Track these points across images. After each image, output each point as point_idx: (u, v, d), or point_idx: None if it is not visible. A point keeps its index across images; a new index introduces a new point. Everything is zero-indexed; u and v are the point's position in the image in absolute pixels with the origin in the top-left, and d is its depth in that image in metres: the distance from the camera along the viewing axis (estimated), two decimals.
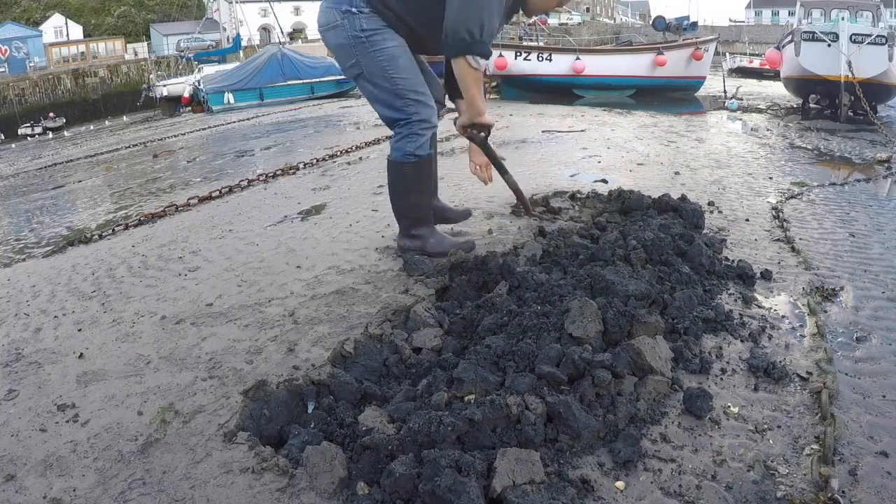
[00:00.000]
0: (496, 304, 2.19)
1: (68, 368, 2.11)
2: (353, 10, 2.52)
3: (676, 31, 18.14)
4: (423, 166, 2.70)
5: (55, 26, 44.84)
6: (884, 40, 10.63)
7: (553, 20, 48.50)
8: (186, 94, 24.03)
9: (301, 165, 5.85)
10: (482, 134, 2.69)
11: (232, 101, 20.53)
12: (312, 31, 49.80)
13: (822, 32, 10.97)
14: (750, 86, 17.86)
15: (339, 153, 6.41)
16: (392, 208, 2.86)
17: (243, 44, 31.23)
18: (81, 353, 2.21)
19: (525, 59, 17.10)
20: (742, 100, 13.49)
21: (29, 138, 23.76)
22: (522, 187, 3.10)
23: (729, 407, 1.75)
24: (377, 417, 1.62)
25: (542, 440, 1.53)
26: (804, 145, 7.19)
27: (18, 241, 4.53)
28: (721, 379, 1.90)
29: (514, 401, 1.56)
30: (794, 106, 12.36)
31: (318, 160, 6.04)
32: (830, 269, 2.82)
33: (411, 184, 2.73)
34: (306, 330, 2.23)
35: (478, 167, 2.94)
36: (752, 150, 6.41)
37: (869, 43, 10.53)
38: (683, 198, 3.50)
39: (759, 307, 2.41)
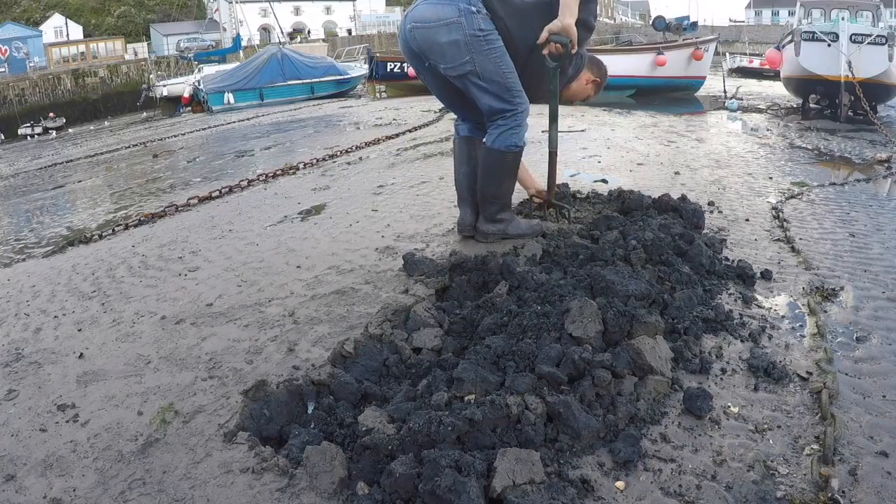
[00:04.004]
0: (496, 304, 2.19)
1: (68, 368, 2.11)
2: (474, 9, 2.65)
3: (676, 31, 18.14)
4: (520, 155, 2.91)
5: (55, 26, 44.85)
6: (884, 40, 10.63)
7: None
8: (186, 94, 24.03)
9: (301, 165, 5.85)
10: (564, 45, 2.67)
11: (232, 101, 20.53)
12: (312, 32, 49.85)
13: (822, 32, 10.97)
14: (750, 86, 17.86)
15: (339, 153, 6.41)
16: (480, 195, 2.98)
17: (243, 44, 31.24)
18: (81, 353, 2.21)
19: None
20: (742, 100, 13.50)
21: (29, 138, 23.76)
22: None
23: (729, 407, 1.76)
24: (377, 417, 1.62)
25: (542, 440, 1.53)
26: (804, 145, 7.19)
27: (18, 241, 4.53)
28: (721, 379, 1.90)
29: (514, 401, 1.56)
30: (794, 106, 12.36)
31: (318, 160, 6.04)
32: (830, 269, 2.82)
33: (509, 171, 2.90)
34: (306, 330, 2.23)
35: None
36: (752, 150, 6.41)
37: (869, 43, 10.53)
38: (683, 198, 3.50)
39: (759, 307, 2.41)
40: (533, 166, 4.90)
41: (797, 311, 2.38)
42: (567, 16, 2.61)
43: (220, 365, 2.03)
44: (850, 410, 1.74)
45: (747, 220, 3.58)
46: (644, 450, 1.56)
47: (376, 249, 3.02)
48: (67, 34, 43.97)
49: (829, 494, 1.41)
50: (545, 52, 2.70)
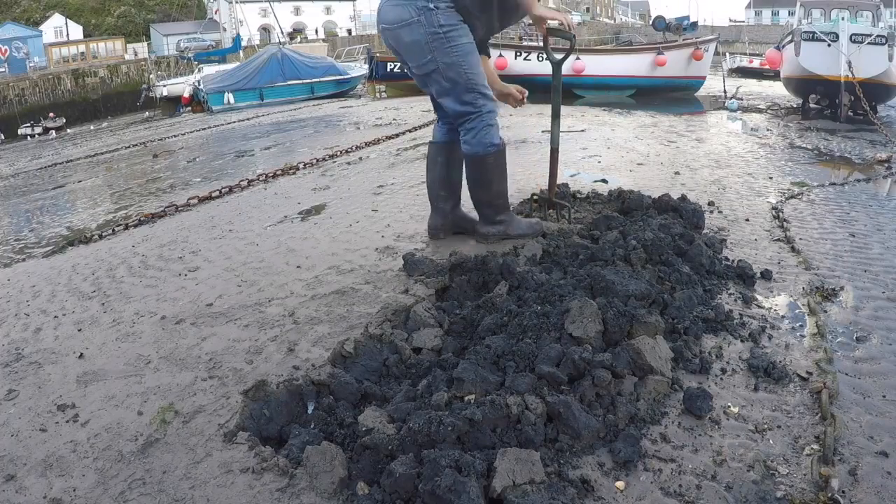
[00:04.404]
0: (496, 304, 2.19)
1: (68, 368, 2.11)
2: (431, 5, 2.60)
3: (676, 31, 18.14)
4: (502, 154, 2.83)
5: (55, 26, 44.84)
6: (884, 40, 10.63)
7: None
8: (186, 94, 24.03)
9: (301, 165, 5.85)
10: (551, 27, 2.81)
11: (232, 101, 20.53)
12: (312, 31, 49.87)
13: (822, 32, 10.96)
14: (750, 86, 17.85)
15: (339, 153, 6.41)
16: (473, 201, 2.97)
17: (243, 44, 31.23)
18: (81, 353, 2.21)
19: (525, 59, 17.10)
20: (742, 100, 13.49)
21: (29, 138, 23.75)
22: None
23: (729, 407, 1.75)
24: (377, 417, 1.62)
25: (542, 440, 1.53)
26: (804, 145, 7.19)
27: (18, 241, 4.53)
28: (721, 379, 1.90)
29: (514, 401, 1.56)
30: (794, 106, 12.36)
31: (318, 160, 6.04)
32: (830, 269, 2.82)
33: (495, 173, 2.84)
34: (306, 330, 2.23)
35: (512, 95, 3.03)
36: (752, 150, 6.41)
37: (869, 43, 10.53)
38: (683, 198, 3.50)
39: (759, 307, 2.41)
40: (533, 166, 4.91)
41: (797, 311, 2.38)
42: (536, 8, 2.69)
43: (220, 365, 2.03)
44: (850, 410, 1.74)
45: (747, 220, 3.58)
46: (644, 450, 1.56)
47: (376, 249, 3.02)
48: (67, 34, 43.96)
49: (829, 494, 1.41)
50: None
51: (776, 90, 15.73)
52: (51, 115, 27.45)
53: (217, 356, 2.09)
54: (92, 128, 24.01)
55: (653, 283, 2.28)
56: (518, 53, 17.25)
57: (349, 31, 50.55)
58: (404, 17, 2.63)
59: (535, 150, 5.92)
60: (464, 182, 3.01)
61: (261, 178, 5.31)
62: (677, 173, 4.80)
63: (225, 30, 36.71)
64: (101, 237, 3.98)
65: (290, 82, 21.52)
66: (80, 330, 2.44)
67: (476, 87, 2.69)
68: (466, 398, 1.65)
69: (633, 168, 4.96)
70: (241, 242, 3.41)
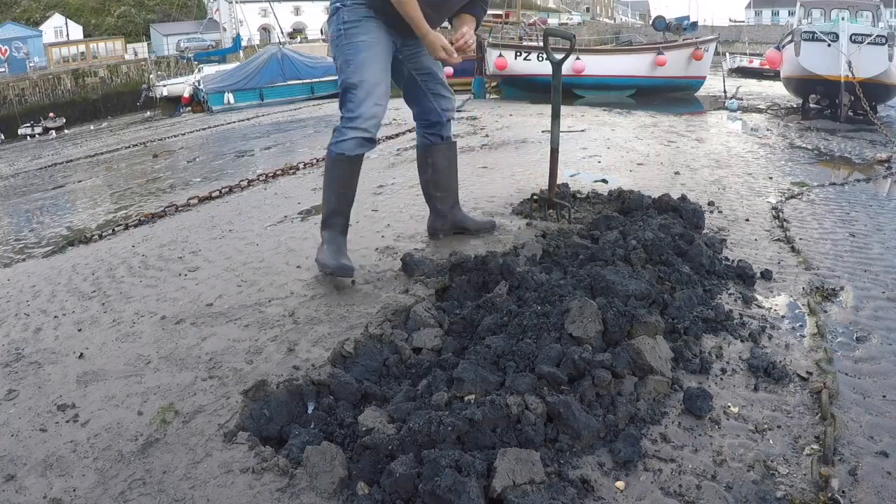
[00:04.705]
0: (496, 304, 2.19)
1: (68, 368, 2.11)
2: (338, 3, 2.57)
3: (676, 31, 18.12)
4: (337, 164, 2.60)
5: (55, 26, 44.82)
6: (884, 40, 10.62)
7: (553, 20, 48.54)
8: (186, 94, 24.03)
9: (301, 165, 5.85)
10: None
11: (232, 101, 20.52)
12: (312, 32, 49.85)
13: (822, 32, 10.96)
14: (750, 86, 17.85)
15: None
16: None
17: (243, 44, 31.22)
18: (81, 353, 2.21)
19: (525, 59, 17.09)
20: (742, 100, 13.48)
21: (29, 138, 23.75)
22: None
23: (729, 407, 1.76)
24: (377, 417, 1.62)
25: (542, 440, 1.53)
26: (804, 145, 7.19)
27: (18, 241, 4.53)
28: (721, 379, 1.90)
29: (514, 401, 1.56)
30: (794, 106, 12.35)
31: (318, 160, 6.04)
32: (830, 269, 2.82)
33: (327, 176, 2.67)
34: (306, 330, 2.23)
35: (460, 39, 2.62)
36: (752, 150, 6.41)
37: (869, 43, 10.52)
38: (683, 198, 3.50)
39: (759, 307, 2.41)
40: (533, 166, 4.91)
41: (797, 311, 2.38)
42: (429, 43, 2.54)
43: (220, 365, 2.03)
44: (850, 410, 1.74)
45: (747, 220, 3.58)
46: (644, 450, 1.56)
47: (376, 249, 3.02)
48: (67, 34, 43.94)
49: (829, 494, 1.41)
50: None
51: (776, 90, 15.73)
52: (51, 115, 27.44)
53: (217, 356, 2.09)
54: (92, 128, 24.00)
55: (653, 283, 2.28)
56: (518, 53, 17.24)
57: None
58: (329, 17, 2.65)
59: (535, 150, 5.92)
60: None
61: (261, 178, 5.31)
62: (677, 173, 4.80)
63: (225, 30, 36.70)
64: (101, 237, 3.98)
65: (290, 82, 21.52)
66: (80, 330, 2.44)
67: (349, 88, 2.51)
68: (466, 398, 1.65)
69: (633, 168, 4.96)
70: (241, 242, 3.41)
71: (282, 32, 29.19)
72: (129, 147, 11.39)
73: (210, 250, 3.33)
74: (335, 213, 2.67)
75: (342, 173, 2.61)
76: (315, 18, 55.06)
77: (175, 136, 12.26)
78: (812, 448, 1.58)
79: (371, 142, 2.58)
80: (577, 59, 16.31)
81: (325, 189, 2.68)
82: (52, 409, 1.87)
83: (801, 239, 3.26)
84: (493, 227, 3.15)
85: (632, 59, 17.55)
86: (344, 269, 2.56)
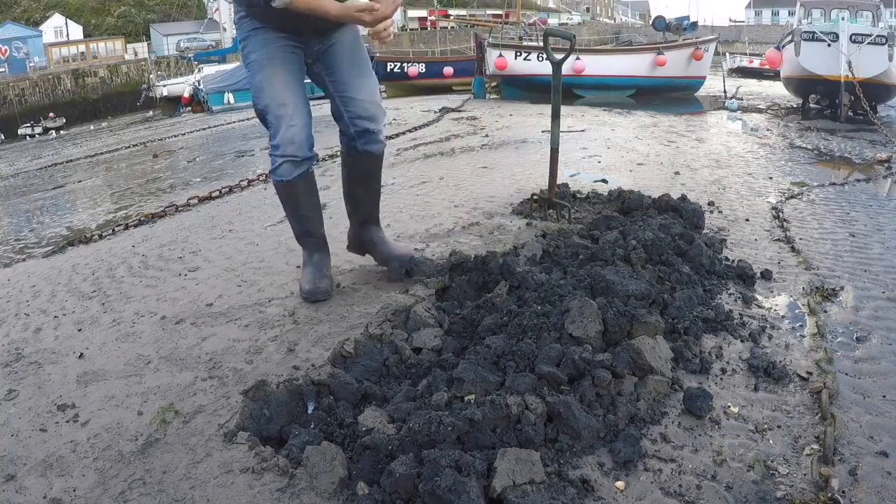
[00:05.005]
0: (496, 304, 2.19)
1: (68, 368, 2.11)
2: (235, 17, 2.33)
3: (676, 31, 18.11)
4: (281, 190, 2.42)
5: (55, 26, 44.80)
6: (884, 40, 10.62)
7: (553, 20, 48.55)
8: (186, 94, 24.03)
9: None
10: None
11: (232, 101, 20.52)
12: None
13: (822, 32, 10.96)
14: (750, 86, 17.86)
15: (338, 153, 6.39)
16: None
17: None
18: (81, 353, 2.21)
19: (525, 59, 17.09)
20: (742, 100, 13.48)
21: (28, 138, 23.75)
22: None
23: (729, 407, 1.76)
24: (377, 417, 1.62)
25: (542, 440, 1.53)
26: (804, 145, 7.19)
27: (18, 241, 4.53)
28: (721, 379, 1.90)
29: (514, 401, 1.56)
30: (794, 106, 12.35)
31: (317, 160, 6.04)
32: (830, 269, 2.82)
33: (281, 202, 2.51)
34: (306, 330, 2.23)
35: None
36: (752, 150, 6.41)
37: (869, 43, 10.52)
38: (683, 198, 3.50)
39: (759, 307, 2.41)
40: (533, 166, 4.91)
41: (797, 311, 2.38)
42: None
43: (220, 365, 2.03)
44: (850, 410, 1.74)
45: (747, 220, 3.58)
46: (644, 450, 1.56)
47: None
48: (67, 34, 43.93)
49: (829, 494, 1.41)
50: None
51: (776, 90, 15.73)
52: (51, 115, 27.44)
53: (217, 356, 2.09)
54: (92, 128, 24.00)
55: (653, 283, 2.28)
56: (518, 53, 17.23)
57: None
58: None
59: (535, 150, 5.92)
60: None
61: (261, 178, 5.30)
62: (677, 173, 4.80)
63: (225, 30, 36.68)
64: (101, 237, 3.98)
65: None
66: (80, 330, 2.44)
67: (264, 112, 2.27)
68: (466, 398, 1.65)
69: (633, 168, 4.96)
70: (241, 242, 3.41)
71: None
72: (129, 147, 11.39)
73: (210, 250, 3.33)
74: (303, 234, 2.54)
75: (290, 199, 2.45)
76: None
77: (175, 136, 12.26)
78: (812, 448, 1.58)
79: (305, 161, 2.34)
80: (577, 59, 16.31)
81: (286, 214, 2.56)
82: (52, 409, 1.87)
83: (801, 239, 3.26)
84: (405, 266, 2.58)
85: (632, 59, 17.54)
86: (315, 293, 2.42)
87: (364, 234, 2.69)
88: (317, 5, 2.06)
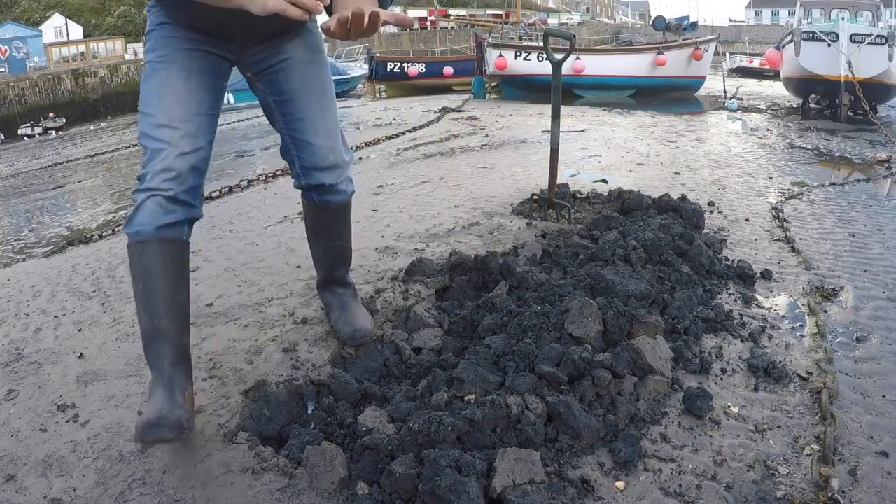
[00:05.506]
0: (496, 304, 2.19)
1: (68, 368, 2.11)
2: (146, 7, 1.77)
3: (676, 31, 18.11)
4: (140, 253, 1.61)
5: (55, 26, 44.80)
6: (884, 40, 10.62)
7: (553, 20, 48.55)
8: None
9: None
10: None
11: (232, 101, 20.48)
12: None
13: (822, 32, 10.96)
14: (750, 86, 17.86)
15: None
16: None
17: None
18: (81, 353, 2.21)
19: (525, 59, 17.09)
20: (742, 100, 13.48)
21: (27, 139, 23.75)
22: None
23: (729, 407, 1.76)
24: (377, 417, 1.62)
25: (542, 440, 1.53)
26: (804, 145, 7.19)
27: (18, 241, 4.53)
28: (721, 379, 1.90)
29: (514, 401, 1.56)
30: (794, 106, 12.35)
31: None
32: (830, 269, 2.82)
33: (133, 277, 1.65)
34: (306, 330, 2.23)
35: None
36: (752, 150, 6.41)
37: (869, 43, 10.52)
38: (683, 198, 3.50)
39: (759, 307, 2.41)
40: (533, 166, 4.91)
41: (797, 311, 2.38)
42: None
43: (220, 365, 2.03)
44: (850, 410, 1.74)
45: (747, 220, 3.58)
46: (644, 450, 1.56)
47: (376, 249, 3.02)
48: (67, 34, 43.93)
49: (829, 494, 1.41)
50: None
51: (776, 90, 15.73)
52: (51, 115, 27.43)
53: (217, 356, 2.09)
54: (92, 128, 24.00)
55: (653, 283, 2.28)
56: (518, 53, 17.23)
57: None
58: None
59: (535, 150, 5.92)
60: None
61: (261, 178, 5.30)
62: (677, 173, 4.80)
63: None
64: (101, 237, 3.97)
65: None
66: (80, 330, 2.44)
67: (142, 131, 1.63)
68: (466, 398, 1.65)
69: (633, 168, 4.96)
70: (241, 242, 3.41)
71: None
72: (129, 147, 11.39)
73: (210, 250, 3.33)
74: (152, 335, 1.63)
75: (142, 270, 1.61)
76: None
77: None
78: (812, 448, 1.58)
79: (181, 206, 1.60)
80: (577, 59, 16.32)
81: (134, 291, 1.66)
82: (52, 409, 1.87)
83: (801, 239, 3.26)
84: (364, 334, 2.04)
85: (632, 59, 17.54)
86: (152, 429, 1.47)
87: (325, 292, 2.21)
88: None
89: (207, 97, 1.69)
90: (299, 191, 1.97)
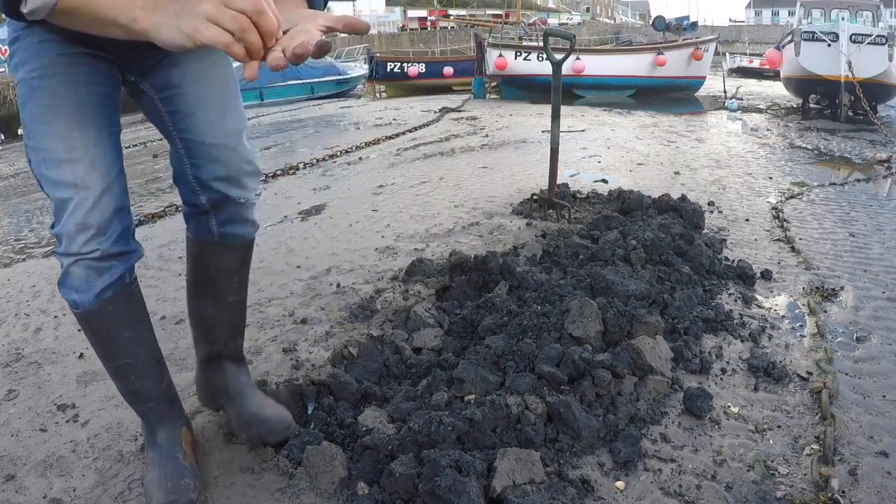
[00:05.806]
0: (496, 304, 2.19)
1: (68, 368, 2.11)
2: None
3: (676, 31, 18.12)
4: (90, 322, 1.37)
5: None
6: (884, 40, 10.62)
7: (553, 20, 48.55)
8: None
9: (301, 165, 5.85)
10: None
11: None
12: None
13: (822, 32, 10.96)
14: (750, 86, 17.86)
15: (339, 153, 6.41)
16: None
17: None
18: (81, 354, 2.21)
19: (525, 59, 17.09)
20: (742, 100, 13.49)
21: None
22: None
23: (729, 407, 1.76)
24: (377, 417, 1.62)
25: (542, 440, 1.53)
26: (804, 145, 7.19)
27: (18, 241, 4.53)
28: (721, 379, 1.90)
29: (514, 401, 1.56)
30: (794, 106, 12.35)
31: (318, 160, 6.05)
32: (830, 269, 2.82)
33: (89, 339, 1.44)
34: (306, 330, 2.23)
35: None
36: (752, 150, 6.41)
37: (869, 43, 10.52)
38: (683, 198, 3.50)
39: (759, 307, 2.41)
40: (533, 166, 4.91)
41: (797, 311, 2.38)
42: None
43: None
44: (850, 410, 1.74)
45: (747, 220, 3.58)
46: (644, 450, 1.56)
47: (376, 249, 3.03)
48: None
49: (829, 494, 1.41)
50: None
51: (776, 90, 15.74)
52: None
53: None
54: None
55: (653, 283, 2.28)
56: (518, 53, 17.23)
57: None
58: None
59: (535, 150, 5.92)
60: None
61: (260, 179, 5.31)
62: (677, 173, 4.80)
63: None
64: None
65: (289, 82, 21.48)
66: (79, 330, 2.43)
67: (34, 172, 1.27)
68: (466, 398, 1.65)
69: (633, 168, 4.96)
70: None
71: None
72: (128, 147, 11.38)
73: None
74: (132, 396, 1.48)
75: (97, 336, 1.40)
76: None
77: None
78: (812, 448, 1.58)
79: (115, 260, 1.31)
80: (577, 59, 16.32)
81: (102, 356, 1.46)
82: (52, 409, 1.87)
83: (801, 239, 3.26)
84: (273, 435, 1.57)
85: (632, 59, 17.54)
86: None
87: (214, 375, 1.65)
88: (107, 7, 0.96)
89: (104, 112, 1.28)
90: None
